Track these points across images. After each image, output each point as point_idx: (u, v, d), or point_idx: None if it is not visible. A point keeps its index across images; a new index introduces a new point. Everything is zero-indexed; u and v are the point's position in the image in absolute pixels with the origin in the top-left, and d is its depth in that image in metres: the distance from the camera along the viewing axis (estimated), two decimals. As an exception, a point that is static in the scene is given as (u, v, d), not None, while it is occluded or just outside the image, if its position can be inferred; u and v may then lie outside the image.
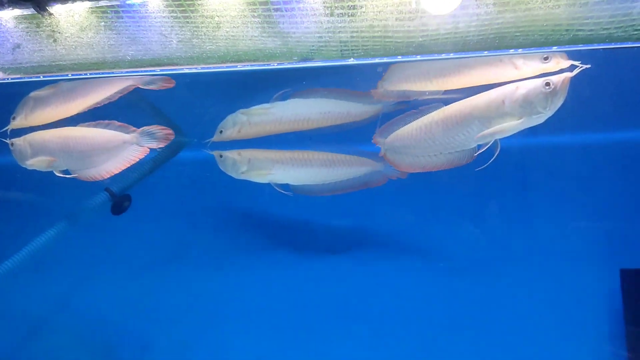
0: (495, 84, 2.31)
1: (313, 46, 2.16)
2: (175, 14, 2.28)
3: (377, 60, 2.25)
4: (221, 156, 2.71)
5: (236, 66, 2.29)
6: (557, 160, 3.24)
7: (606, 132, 3.19)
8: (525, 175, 3.25)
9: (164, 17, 2.31)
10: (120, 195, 3.18)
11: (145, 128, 2.56)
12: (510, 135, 2.31)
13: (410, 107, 2.51)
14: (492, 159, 2.28)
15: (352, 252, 3.38)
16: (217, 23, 2.25)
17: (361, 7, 2.14)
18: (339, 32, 2.17)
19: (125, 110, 2.97)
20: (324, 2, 2.17)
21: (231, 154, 2.71)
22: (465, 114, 2.29)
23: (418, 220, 3.34)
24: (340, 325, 3.30)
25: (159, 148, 2.57)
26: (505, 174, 3.14)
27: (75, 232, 3.28)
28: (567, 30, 2.07)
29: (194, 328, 3.42)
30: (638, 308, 2.94)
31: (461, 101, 2.32)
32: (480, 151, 2.32)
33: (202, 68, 2.34)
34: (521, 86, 2.19)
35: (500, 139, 2.30)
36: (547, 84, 2.12)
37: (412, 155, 2.47)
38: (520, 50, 2.14)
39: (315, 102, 2.63)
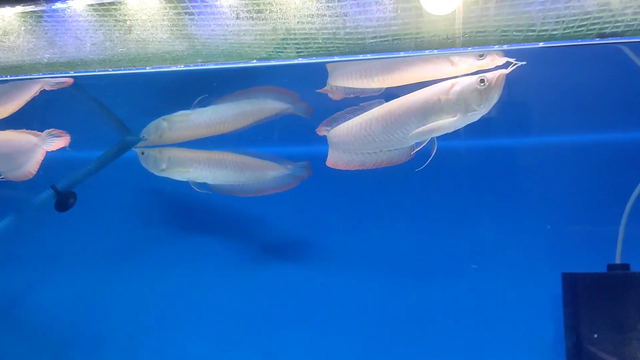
0: (433, 81, 2.31)
1: (218, 48, 2.21)
2: (89, 18, 2.34)
3: (280, 62, 2.29)
4: (143, 153, 2.76)
5: (145, 68, 2.33)
6: (499, 163, 3.25)
7: (547, 136, 3.22)
8: (466, 178, 3.26)
9: (79, 21, 2.36)
10: (64, 193, 3.20)
11: (48, 131, 2.61)
12: (454, 138, 2.32)
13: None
14: (429, 159, 2.26)
15: (299, 254, 3.40)
16: (128, 27, 2.30)
17: (265, 10, 2.19)
18: (244, 34, 2.22)
19: (73, 111, 3.04)
20: (230, 6, 2.23)
21: (152, 152, 2.76)
22: (402, 111, 2.28)
23: (362, 224, 3.36)
24: (283, 324, 3.31)
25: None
26: (446, 176, 3.17)
27: (25, 230, 3.30)
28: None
29: (144, 325, 3.43)
30: (577, 312, 2.93)
31: (400, 98, 2.32)
32: (417, 149, 2.31)
33: (113, 70, 2.39)
34: (457, 83, 2.19)
35: (445, 141, 2.29)
36: (482, 80, 2.12)
37: (351, 152, 2.44)
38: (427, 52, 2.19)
39: (233, 105, 2.69)
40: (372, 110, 2.38)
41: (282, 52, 2.21)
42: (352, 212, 3.37)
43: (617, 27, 2.21)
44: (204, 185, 2.77)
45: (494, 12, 2.16)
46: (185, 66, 2.30)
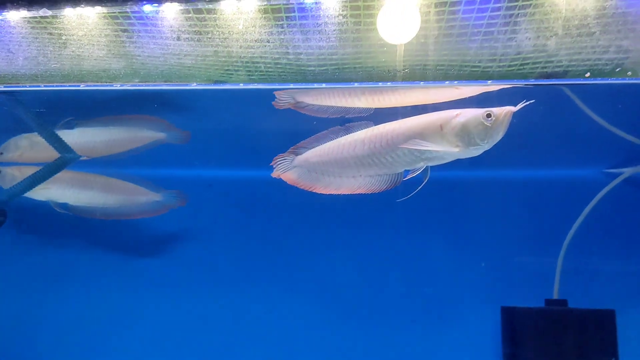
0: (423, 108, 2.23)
1: (157, 69, 2.15)
2: (23, 31, 2.24)
3: (220, 87, 2.25)
4: (0, 172, 2.68)
5: (79, 85, 2.25)
6: (439, 197, 3.26)
7: (487, 170, 3.25)
8: (407, 211, 3.26)
9: (12, 34, 2.26)
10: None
11: None
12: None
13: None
14: (420, 186, 2.12)
15: (241, 276, 3.31)
16: (63, 42, 2.22)
17: (207, 33, 2.15)
18: (185, 55, 2.17)
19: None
20: (171, 27, 2.18)
21: (11, 170, 2.67)
22: (397, 134, 2.11)
23: (308, 249, 3.32)
24: (222, 344, 3.24)
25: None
26: (387, 209, 3.16)
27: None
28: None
29: (82, 342, 3.30)
30: (515, 345, 2.96)
31: (395, 121, 2.15)
32: (407, 177, 2.15)
33: (45, 86, 2.29)
34: (461, 114, 2.06)
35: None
36: (489, 115, 2.00)
37: (329, 174, 2.26)
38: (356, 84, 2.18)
39: (99, 131, 2.64)
40: (358, 132, 2.21)
41: (224, 75, 2.16)
42: (301, 236, 3.34)
43: (559, 67, 2.26)
44: (64, 205, 2.71)
45: (434, 48, 2.18)
46: (122, 85, 2.23)
